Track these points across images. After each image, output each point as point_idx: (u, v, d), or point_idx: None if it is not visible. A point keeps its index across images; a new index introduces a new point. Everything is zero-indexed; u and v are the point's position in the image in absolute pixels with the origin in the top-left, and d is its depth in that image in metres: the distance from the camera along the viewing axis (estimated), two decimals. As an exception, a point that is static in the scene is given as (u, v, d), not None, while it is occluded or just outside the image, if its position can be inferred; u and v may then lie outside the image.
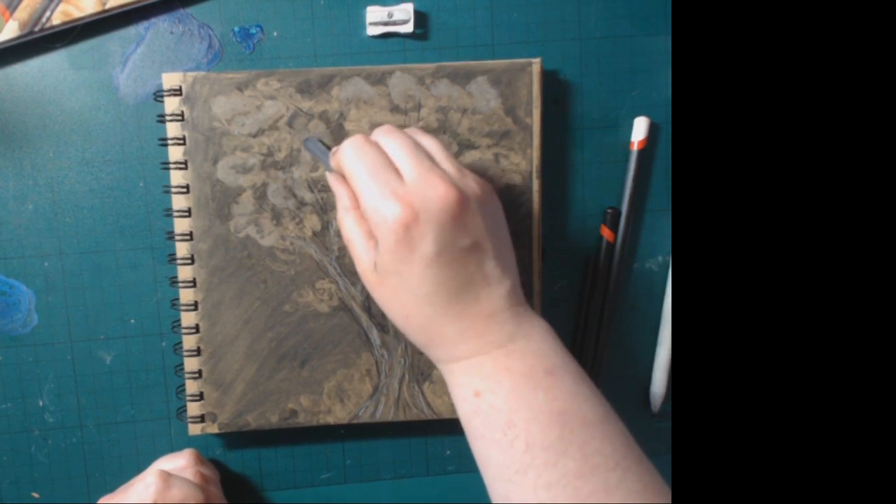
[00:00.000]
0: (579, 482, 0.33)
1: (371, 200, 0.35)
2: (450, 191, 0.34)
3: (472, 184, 0.36)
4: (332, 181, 0.40)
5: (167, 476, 0.42)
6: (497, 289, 0.36)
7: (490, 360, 0.35)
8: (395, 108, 0.43)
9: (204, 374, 0.44)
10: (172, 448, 0.47)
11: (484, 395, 0.35)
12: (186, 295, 0.44)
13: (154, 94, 0.44)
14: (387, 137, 0.37)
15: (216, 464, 0.47)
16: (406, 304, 0.36)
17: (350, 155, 0.36)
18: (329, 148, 0.42)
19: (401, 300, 0.36)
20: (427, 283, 0.35)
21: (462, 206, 0.34)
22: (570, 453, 0.33)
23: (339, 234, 0.44)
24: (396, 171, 0.35)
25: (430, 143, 0.37)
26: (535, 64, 0.44)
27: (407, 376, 0.45)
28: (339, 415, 0.45)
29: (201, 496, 0.42)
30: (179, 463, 0.44)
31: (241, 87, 0.43)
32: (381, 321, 0.45)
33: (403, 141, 0.36)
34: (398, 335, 0.45)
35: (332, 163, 0.39)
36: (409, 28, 0.44)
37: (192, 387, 0.44)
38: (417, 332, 0.37)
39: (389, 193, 0.34)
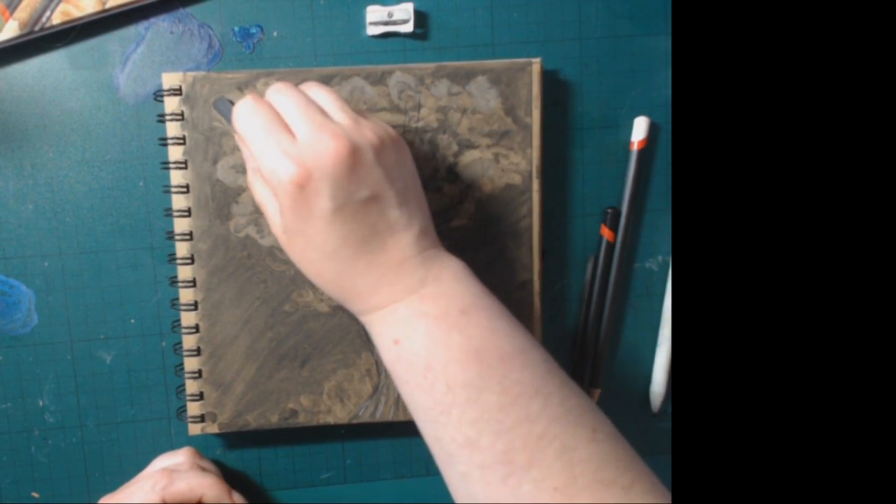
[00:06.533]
0: (501, 415, 0.33)
1: (265, 163, 0.34)
2: (340, 144, 0.34)
3: (367, 133, 0.35)
4: (239, 143, 0.38)
5: (170, 473, 0.42)
6: (404, 235, 0.36)
7: (404, 306, 0.35)
8: (394, 108, 0.43)
9: (204, 374, 0.44)
10: (173, 448, 0.47)
11: (402, 343, 0.35)
12: (186, 295, 0.44)
13: (154, 93, 0.44)
14: (277, 96, 0.36)
15: (216, 464, 0.47)
16: (315, 261, 0.36)
17: (243, 117, 0.36)
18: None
19: (310, 258, 0.36)
20: (331, 239, 0.35)
21: (355, 159, 0.34)
22: (489, 388, 0.33)
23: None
24: (289, 130, 0.35)
25: (322, 95, 0.37)
26: (535, 64, 0.44)
27: (407, 376, 0.45)
28: (339, 415, 0.45)
29: (207, 482, 0.42)
30: (178, 460, 0.44)
31: (241, 87, 0.43)
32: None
33: (294, 97, 0.36)
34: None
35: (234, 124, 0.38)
36: (409, 28, 0.44)
37: (192, 387, 0.44)
38: (331, 287, 0.37)
39: (281, 154, 0.34)
